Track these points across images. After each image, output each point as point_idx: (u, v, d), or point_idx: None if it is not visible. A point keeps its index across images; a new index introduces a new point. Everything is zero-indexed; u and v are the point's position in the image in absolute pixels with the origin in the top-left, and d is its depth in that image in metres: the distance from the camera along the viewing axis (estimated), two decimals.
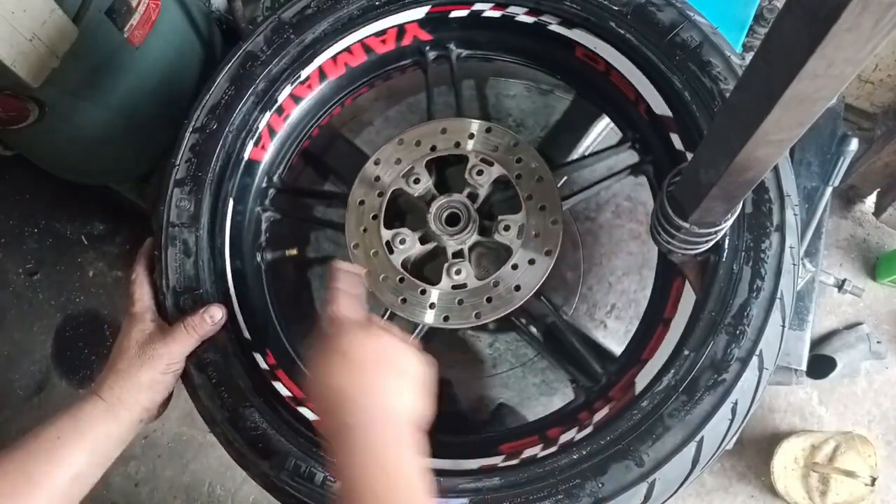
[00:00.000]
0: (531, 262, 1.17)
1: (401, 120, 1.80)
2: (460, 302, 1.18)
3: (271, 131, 1.32)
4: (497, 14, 1.26)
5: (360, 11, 1.26)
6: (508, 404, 1.65)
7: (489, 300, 1.17)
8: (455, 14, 1.29)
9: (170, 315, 1.09)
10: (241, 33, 1.64)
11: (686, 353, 1.00)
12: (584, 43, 1.22)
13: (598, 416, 1.05)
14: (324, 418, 0.86)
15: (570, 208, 1.68)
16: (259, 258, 1.31)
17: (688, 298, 1.06)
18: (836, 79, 0.52)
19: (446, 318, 1.18)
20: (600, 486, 0.94)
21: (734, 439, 1.01)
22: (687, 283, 1.07)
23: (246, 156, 1.26)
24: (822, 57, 0.49)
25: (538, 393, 1.66)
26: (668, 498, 0.98)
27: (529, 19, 1.25)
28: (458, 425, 1.53)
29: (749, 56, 1.61)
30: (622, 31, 1.15)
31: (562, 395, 1.61)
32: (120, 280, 2.11)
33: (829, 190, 1.61)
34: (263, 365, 1.14)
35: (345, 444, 0.78)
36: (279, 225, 1.38)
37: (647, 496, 0.95)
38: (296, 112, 1.35)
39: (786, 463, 1.76)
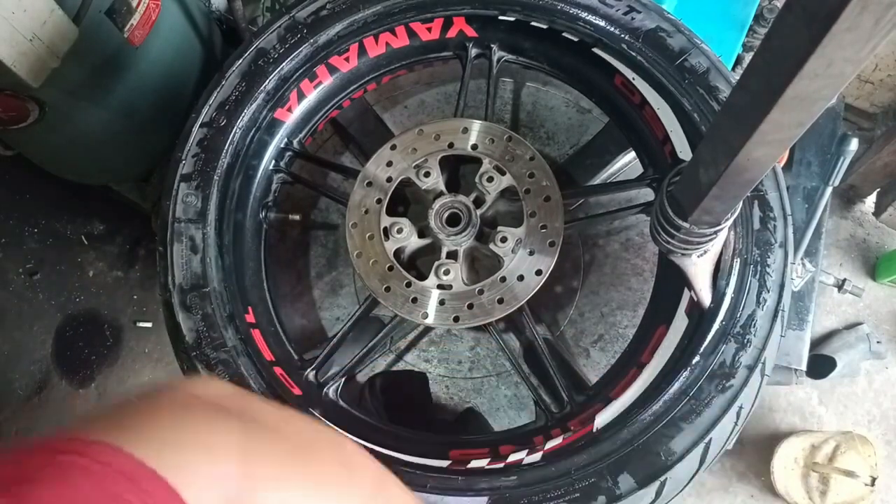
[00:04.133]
0: (520, 278, 1.17)
1: (435, 107, 1.81)
2: (442, 302, 1.18)
3: (300, 95, 1.32)
4: (544, 25, 1.27)
5: (374, 17, 1.27)
6: (477, 410, 1.66)
7: (470, 307, 1.17)
8: (503, 17, 1.29)
9: (175, 311, 1.09)
10: (242, 33, 1.64)
11: (697, 359, 1.02)
12: (623, 72, 1.23)
13: (550, 444, 1.07)
14: None
15: (581, 232, 1.69)
16: (262, 216, 1.32)
17: (666, 347, 1.09)
18: (836, 78, 0.52)
19: (425, 316, 1.18)
20: (616, 485, 0.97)
21: (734, 440, 1.03)
22: (669, 333, 1.10)
23: (270, 115, 1.27)
24: (822, 56, 0.49)
25: (508, 405, 1.67)
26: (675, 496, 1.01)
27: (574, 37, 1.25)
28: (423, 420, 1.54)
29: (749, 56, 1.61)
30: (633, 54, 1.17)
31: (530, 412, 1.62)
32: (120, 280, 2.11)
33: (829, 190, 1.61)
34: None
35: None
36: (290, 188, 1.39)
37: (658, 493, 0.99)
38: (329, 81, 1.36)
39: (786, 463, 1.76)
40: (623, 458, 0.99)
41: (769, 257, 1.06)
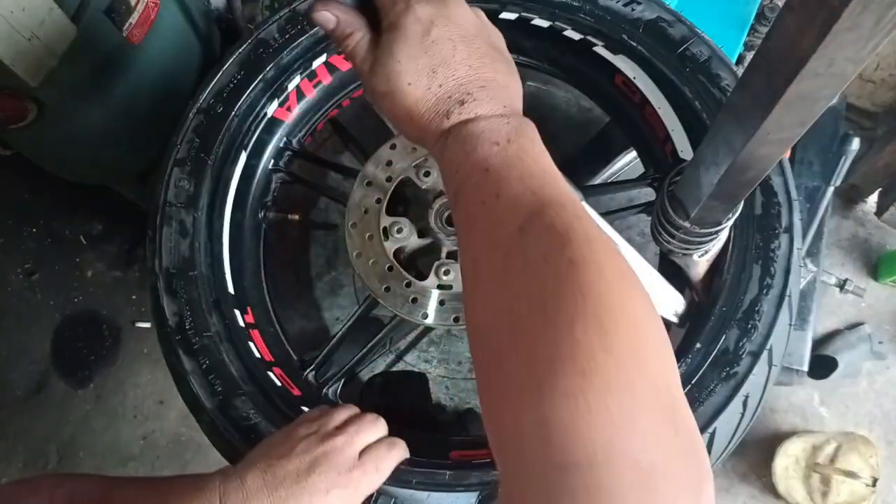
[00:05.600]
0: None
1: None
2: (442, 303, 1.18)
3: (300, 94, 1.32)
4: (545, 24, 1.25)
5: None
6: (476, 411, 1.65)
7: None
8: (504, 16, 1.28)
9: (160, 294, 1.08)
10: (241, 33, 1.64)
11: (698, 346, 1.01)
12: (625, 70, 1.22)
13: None
14: (417, 125, 0.59)
15: None
16: (261, 215, 1.31)
17: None
18: (838, 78, 0.52)
19: (425, 316, 1.17)
20: None
21: (744, 432, 1.02)
22: (669, 333, 1.09)
23: (269, 113, 1.26)
24: (823, 56, 0.48)
25: None
26: None
27: (576, 35, 1.24)
28: (422, 421, 1.54)
29: (750, 55, 1.61)
30: (634, 44, 1.17)
31: None
32: (118, 280, 2.10)
33: (831, 189, 1.60)
34: (240, 322, 1.14)
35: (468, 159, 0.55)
36: (289, 188, 1.38)
37: None
38: (329, 81, 1.35)
39: (787, 463, 1.76)
40: None
41: (773, 243, 1.05)
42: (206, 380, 1.05)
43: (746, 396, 0.99)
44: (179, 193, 1.15)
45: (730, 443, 1.00)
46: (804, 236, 1.54)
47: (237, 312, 1.15)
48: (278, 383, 1.12)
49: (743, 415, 1.00)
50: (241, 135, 1.23)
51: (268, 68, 1.23)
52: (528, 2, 1.23)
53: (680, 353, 1.02)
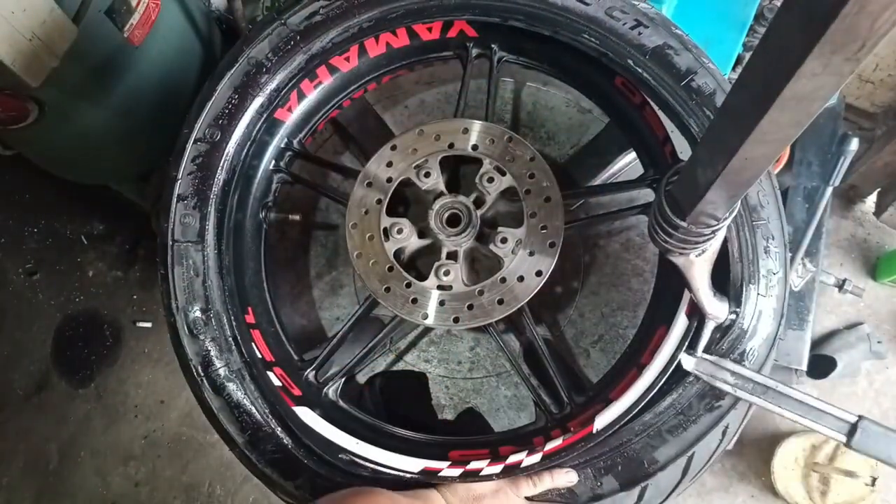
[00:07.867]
0: (520, 279, 1.17)
1: (435, 107, 1.80)
2: (442, 303, 1.18)
3: (300, 95, 1.31)
4: (547, 33, 1.24)
5: (370, 22, 1.25)
6: (476, 410, 1.65)
7: (470, 307, 1.17)
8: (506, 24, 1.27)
9: (181, 335, 1.09)
10: (241, 33, 1.64)
11: (690, 378, 1.04)
12: (624, 74, 1.21)
13: (550, 445, 1.07)
14: None
15: (581, 232, 1.69)
16: (262, 216, 1.31)
17: (666, 349, 1.09)
18: (834, 78, 0.52)
19: (425, 316, 1.17)
20: (599, 484, 1.00)
21: (719, 455, 1.08)
22: (669, 334, 1.11)
23: (265, 125, 1.26)
24: (820, 56, 0.49)
25: (508, 405, 1.66)
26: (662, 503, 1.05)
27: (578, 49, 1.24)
28: (421, 420, 1.54)
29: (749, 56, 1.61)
30: (640, 70, 1.15)
31: (529, 413, 1.62)
32: (119, 280, 2.11)
33: (830, 190, 1.61)
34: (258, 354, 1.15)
35: None
36: (289, 188, 1.39)
37: (640, 497, 1.03)
38: (329, 81, 1.34)
39: (786, 463, 1.76)
40: (609, 462, 1.02)
41: (773, 288, 1.07)
42: (233, 416, 1.07)
43: (727, 426, 1.04)
44: (186, 230, 1.14)
45: (706, 464, 1.05)
46: (803, 235, 1.55)
47: (254, 346, 1.16)
48: (278, 383, 1.13)
49: (721, 441, 1.05)
50: (240, 161, 1.22)
51: (262, 89, 1.22)
52: (533, 22, 1.22)
53: (675, 383, 1.05)
